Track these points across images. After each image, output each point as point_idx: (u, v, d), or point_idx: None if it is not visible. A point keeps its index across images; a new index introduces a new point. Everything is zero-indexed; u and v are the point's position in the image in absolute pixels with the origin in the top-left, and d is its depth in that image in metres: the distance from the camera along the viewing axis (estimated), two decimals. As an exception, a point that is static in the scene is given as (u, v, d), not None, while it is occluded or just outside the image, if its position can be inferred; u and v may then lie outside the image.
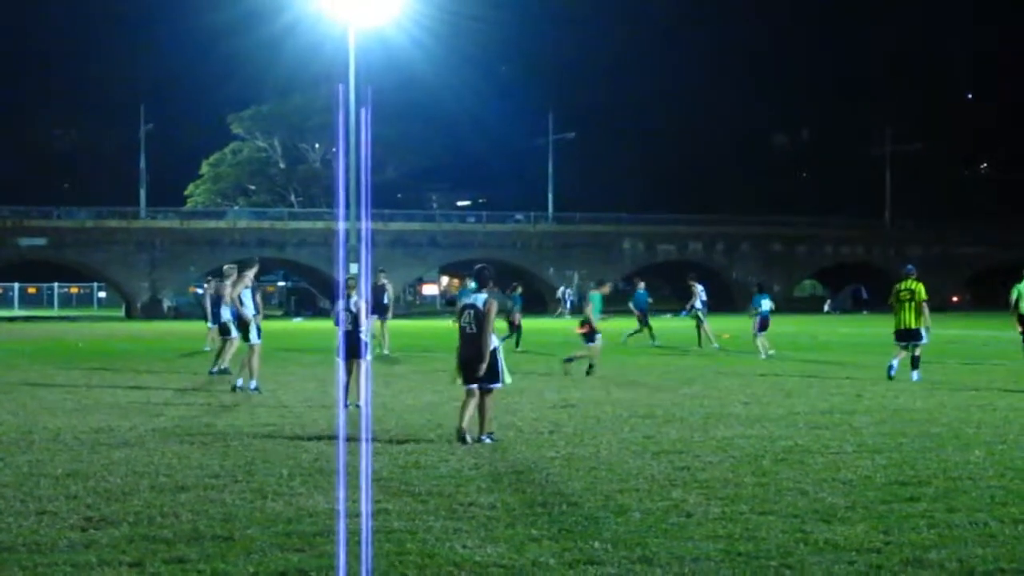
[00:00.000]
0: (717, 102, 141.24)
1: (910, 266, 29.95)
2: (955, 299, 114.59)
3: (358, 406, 21.81)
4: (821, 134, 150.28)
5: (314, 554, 10.32)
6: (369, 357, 23.44)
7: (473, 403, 17.36)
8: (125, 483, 13.82)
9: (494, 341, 17.46)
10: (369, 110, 77.48)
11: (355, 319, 22.62)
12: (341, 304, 23.04)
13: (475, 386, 17.38)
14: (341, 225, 79.92)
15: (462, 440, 16.98)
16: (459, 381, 17.75)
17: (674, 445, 16.88)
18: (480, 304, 17.35)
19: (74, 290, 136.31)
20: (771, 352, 36.79)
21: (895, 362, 28.55)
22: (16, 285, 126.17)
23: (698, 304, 44.08)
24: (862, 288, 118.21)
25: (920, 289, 28.72)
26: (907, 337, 28.77)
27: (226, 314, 29.74)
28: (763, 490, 13.30)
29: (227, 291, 28.74)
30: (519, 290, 45.21)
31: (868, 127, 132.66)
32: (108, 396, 24.90)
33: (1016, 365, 31.56)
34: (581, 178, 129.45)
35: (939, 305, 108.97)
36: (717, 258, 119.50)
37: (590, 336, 30.68)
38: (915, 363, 28.55)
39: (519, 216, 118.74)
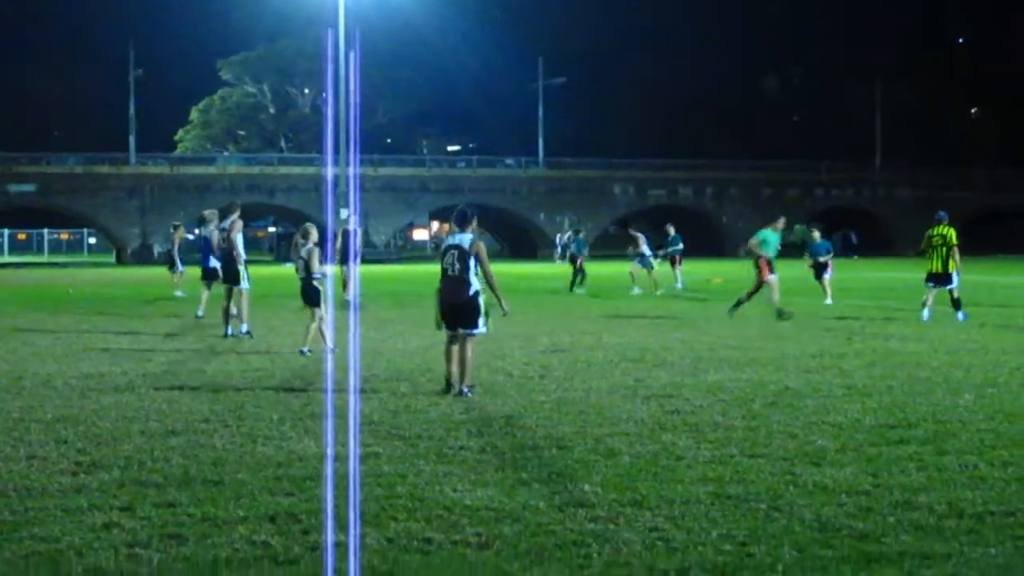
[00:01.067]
0: (708, 46, 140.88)
1: (942, 212, 30.67)
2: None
3: (303, 352, 21.53)
4: (812, 78, 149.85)
5: (304, 498, 10.32)
6: (335, 299, 23.23)
7: (457, 349, 16.77)
8: (115, 428, 13.82)
9: (476, 284, 16.59)
10: (358, 54, 77.21)
11: (307, 266, 22.32)
12: (299, 251, 22.61)
13: (456, 331, 16.74)
14: (330, 170, 79.62)
15: (449, 390, 16.57)
16: (438, 327, 17.13)
17: (664, 389, 16.91)
18: (466, 244, 16.58)
19: (64, 236, 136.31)
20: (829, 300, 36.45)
21: (927, 311, 29.18)
22: (6, 231, 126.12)
23: (645, 250, 44.32)
24: (852, 233, 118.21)
25: (952, 234, 29.62)
26: (939, 280, 29.56)
27: (214, 261, 29.63)
28: (753, 433, 13.32)
29: (216, 237, 28.53)
30: (581, 234, 46.59)
31: (859, 71, 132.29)
32: (98, 342, 24.89)
33: (1006, 310, 31.53)
34: (572, 123, 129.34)
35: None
36: (707, 203, 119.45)
37: (764, 272, 30.98)
38: (957, 305, 29.32)
39: (509, 161, 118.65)
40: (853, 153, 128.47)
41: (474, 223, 17.01)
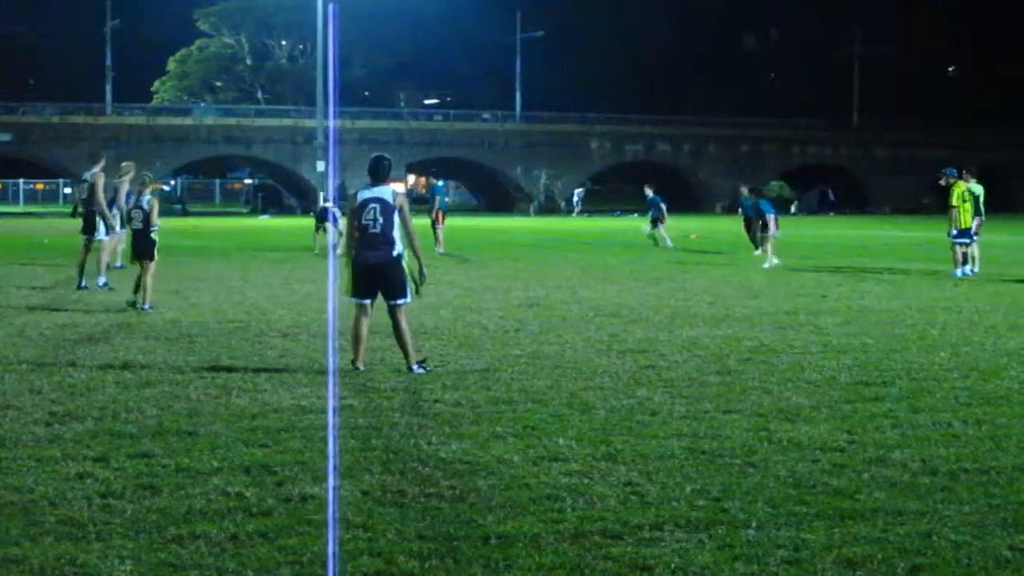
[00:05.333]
0: (687, 1, 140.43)
1: (954, 168, 30.63)
2: (925, 202, 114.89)
3: (144, 308, 21.08)
4: (790, 35, 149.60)
5: (279, 449, 10.31)
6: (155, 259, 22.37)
7: (367, 323, 14.67)
8: (90, 378, 13.78)
9: (400, 245, 14.47)
10: (338, 6, 76.76)
11: (146, 218, 21.85)
12: (134, 201, 22.21)
13: (369, 301, 14.56)
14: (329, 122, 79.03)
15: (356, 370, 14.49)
16: (347, 294, 14.70)
17: (639, 344, 16.91)
18: (388, 197, 14.53)
19: (40, 186, 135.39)
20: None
21: (963, 268, 29.93)
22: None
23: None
24: (829, 190, 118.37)
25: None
26: (967, 236, 30.03)
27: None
28: (727, 389, 13.34)
29: (118, 188, 27.41)
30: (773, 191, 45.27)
31: (837, 29, 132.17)
32: (73, 292, 24.81)
33: (982, 268, 31.46)
34: (549, 77, 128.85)
35: (911, 207, 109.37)
36: (684, 159, 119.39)
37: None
38: (967, 259, 30.06)
39: (487, 115, 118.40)
40: (831, 110, 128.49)
41: (391, 177, 15.14)
